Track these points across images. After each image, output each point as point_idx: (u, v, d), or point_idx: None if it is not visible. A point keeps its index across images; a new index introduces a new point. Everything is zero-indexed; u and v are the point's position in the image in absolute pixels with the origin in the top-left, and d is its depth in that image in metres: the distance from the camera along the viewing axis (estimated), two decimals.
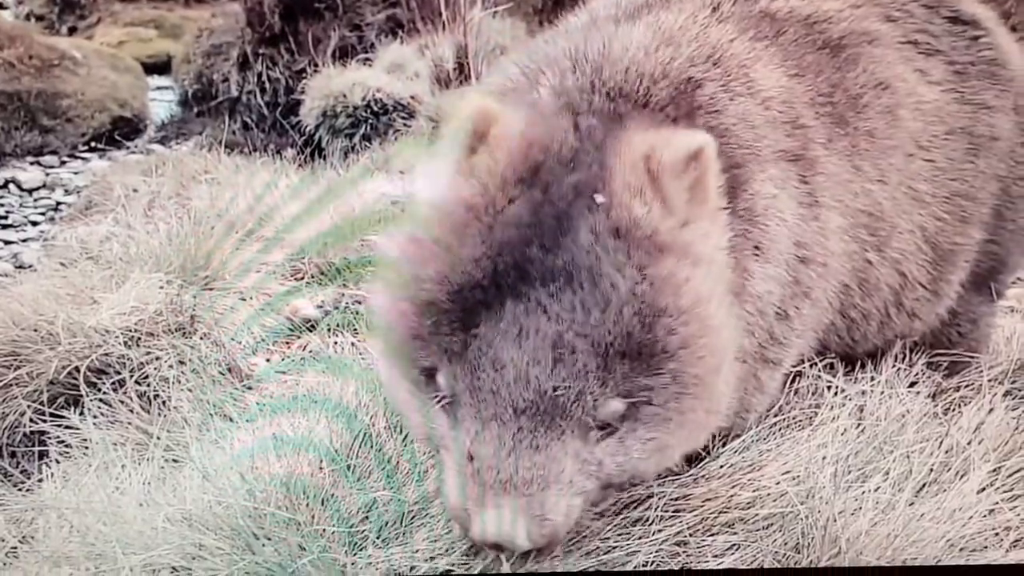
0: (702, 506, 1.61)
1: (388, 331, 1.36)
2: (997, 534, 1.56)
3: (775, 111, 1.61)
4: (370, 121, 4.98)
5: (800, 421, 1.82)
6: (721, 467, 1.68)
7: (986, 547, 1.53)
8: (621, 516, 1.58)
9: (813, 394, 1.89)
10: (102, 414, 2.03)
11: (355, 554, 1.51)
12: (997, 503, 1.59)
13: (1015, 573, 1.50)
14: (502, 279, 1.25)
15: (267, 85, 5.85)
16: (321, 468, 1.66)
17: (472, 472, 1.25)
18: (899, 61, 1.83)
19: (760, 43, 1.70)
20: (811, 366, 1.89)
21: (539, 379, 1.22)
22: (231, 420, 1.92)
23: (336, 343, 2.18)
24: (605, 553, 1.51)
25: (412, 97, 4.97)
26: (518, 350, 1.23)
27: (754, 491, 1.62)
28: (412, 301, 1.30)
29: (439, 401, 1.31)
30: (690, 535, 1.55)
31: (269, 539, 1.53)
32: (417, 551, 1.50)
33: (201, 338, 2.25)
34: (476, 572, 1.46)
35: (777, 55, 1.70)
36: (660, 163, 1.30)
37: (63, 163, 5.86)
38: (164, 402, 2.04)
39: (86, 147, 6.13)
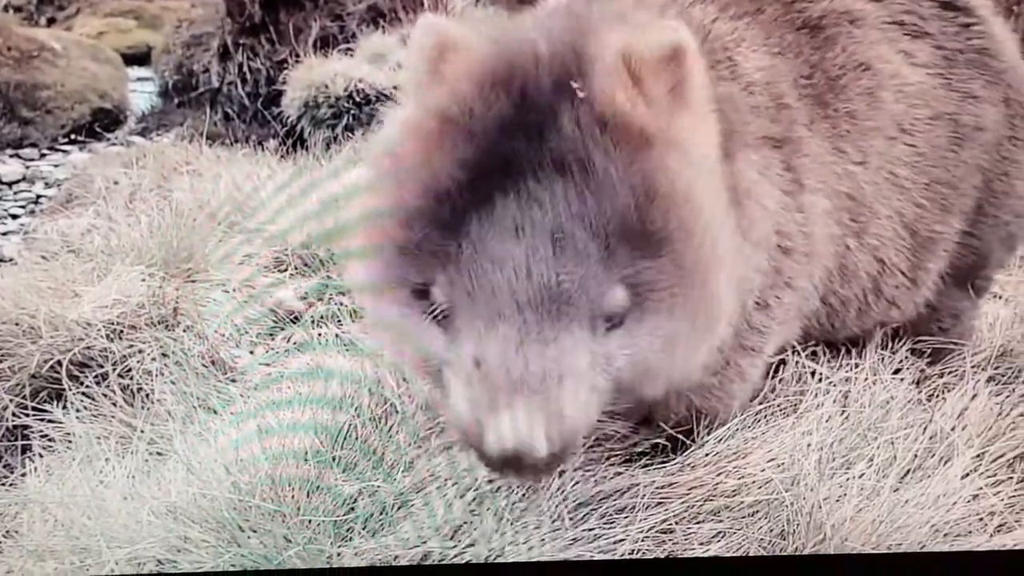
0: (688, 494, 1.61)
1: (374, 255, 1.32)
2: (981, 519, 1.57)
3: (759, 96, 1.60)
4: (352, 112, 4.94)
5: (784, 408, 1.83)
6: (706, 455, 1.69)
7: (970, 532, 1.55)
8: (607, 504, 1.59)
9: (797, 381, 1.90)
10: (85, 408, 2.00)
11: (341, 545, 1.51)
12: (981, 488, 1.60)
13: (997, 559, 1.51)
14: (490, 176, 1.21)
15: (248, 76, 5.79)
16: (306, 460, 1.65)
17: (481, 377, 1.19)
18: (882, 41, 1.81)
19: (741, 21, 1.69)
20: (794, 353, 1.90)
21: (541, 270, 1.18)
22: (215, 413, 1.91)
23: (320, 335, 2.17)
24: (590, 542, 1.52)
25: (395, 87, 4.93)
26: (516, 244, 1.19)
27: (739, 479, 1.63)
28: (395, 216, 1.25)
29: (435, 315, 1.25)
30: (676, 523, 1.56)
31: (255, 531, 1.53)
32: (402, 540, 1.50)
33: (184, 331, 2.23)
34: (452, 555, 1.47)
35: (759, 34, 1.69)
36: (639, 61, 1.27)
37: (43, 156, 5.77)
38: (147, 395, 2.03)
39: (66, 139, 6.04)
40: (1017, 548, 1.50)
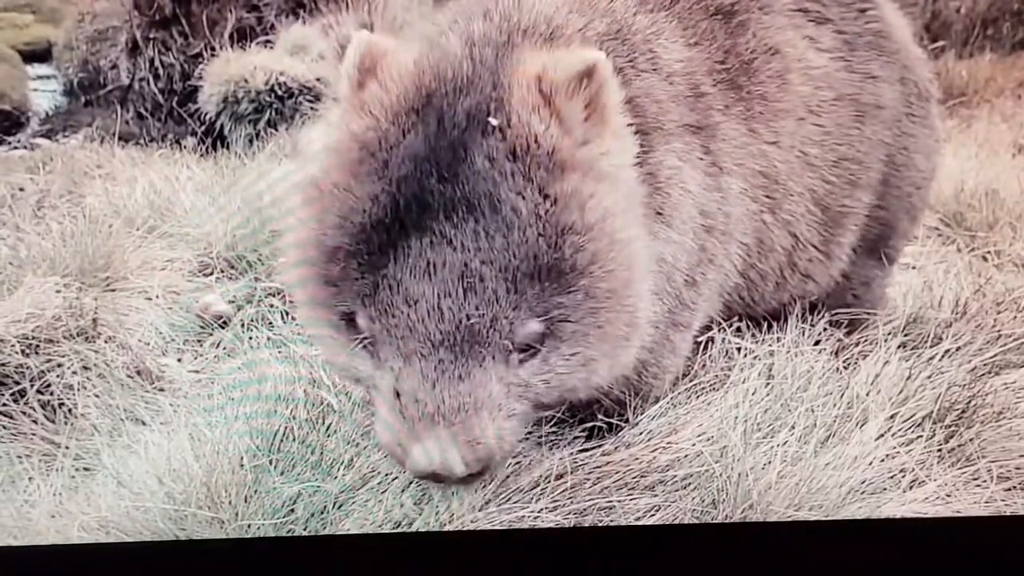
0: (625, 471, 1.66)
1: (303, 280, 1.36)
2: (893, 477, 1.67)
3: (679, 86, 1.67)
4: (275, 106, 4.81)
5: (713, 384, 1.90)
6: (640, 433, 1.74)
7: (885, 489, 1.64)
8: (550, 485, 1.62)
9: (725, 357, 1.97)
10: (3, 427, 1.92)
11: None
12: (894, 448, 1.70)
13: (907, 525, 1.59)
14: (404, 215, 1.26)
15: (161, 71, 5.58)
16: (242, 465, 1.63)
17: (400, 408, 1.28)
18: (789, 27, 1.90)
19: (660, 14, 1.75)
20: (721, 331, 1.97)
21: (452, 310, 1.25)
22: (144, 424, 1.85)
23: (251, 338, 2.13)
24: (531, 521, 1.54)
25: (318, 79, 4.84)
26: (428, 284, 1.25)
27: (672, 454, 1.68)
28: (318, 248, 1.31)
29: (361, 343, 1.32)
30: (617, 500, 1.60)
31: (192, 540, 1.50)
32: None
33: (106, 341, 2.15)
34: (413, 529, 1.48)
35: (677, 26, 1.75)
36: (552, 83, 1.31)
37: None
38: (70, 410, 1.95)
39: None
40: (925, 516, 1.59)
